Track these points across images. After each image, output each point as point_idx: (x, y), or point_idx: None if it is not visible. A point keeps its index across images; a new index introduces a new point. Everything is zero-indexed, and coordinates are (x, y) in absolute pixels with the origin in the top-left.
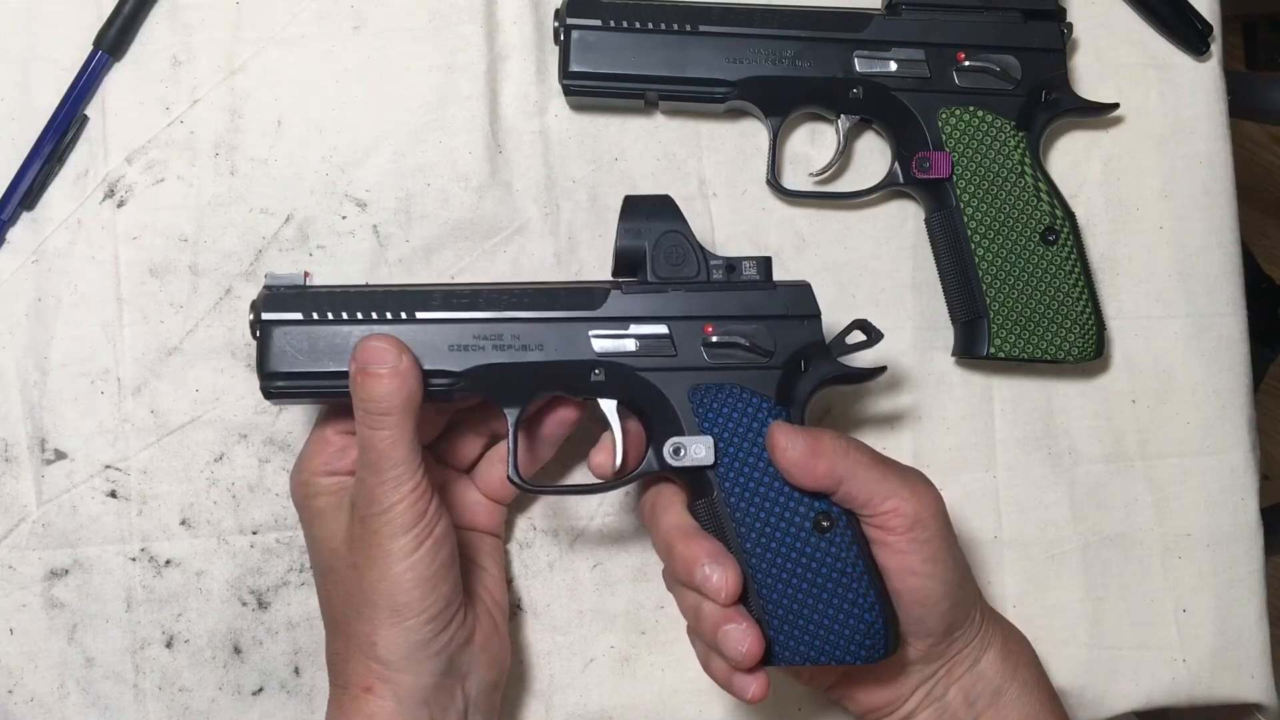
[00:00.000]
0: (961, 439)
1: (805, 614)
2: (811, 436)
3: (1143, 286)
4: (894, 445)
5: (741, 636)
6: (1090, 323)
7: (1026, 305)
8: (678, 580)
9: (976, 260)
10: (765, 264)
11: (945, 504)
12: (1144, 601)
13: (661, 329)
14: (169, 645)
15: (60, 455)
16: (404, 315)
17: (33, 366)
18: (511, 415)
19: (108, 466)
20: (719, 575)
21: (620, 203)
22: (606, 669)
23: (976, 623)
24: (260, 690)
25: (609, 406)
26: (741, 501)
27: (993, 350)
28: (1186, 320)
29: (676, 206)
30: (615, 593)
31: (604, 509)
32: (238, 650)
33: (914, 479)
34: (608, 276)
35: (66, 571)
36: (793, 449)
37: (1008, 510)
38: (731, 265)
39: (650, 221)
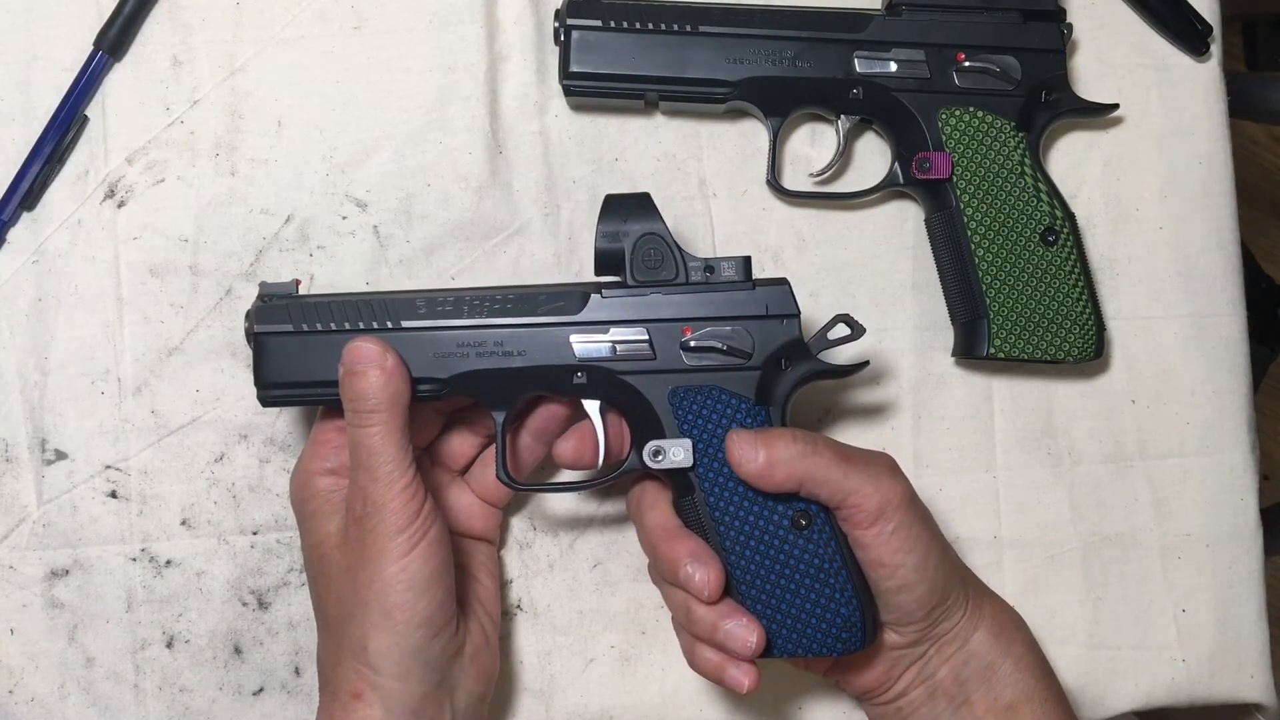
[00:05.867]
0: (961, 439)
1: (785, 609)
2: (767, 445)
3: (1143, 286)
4: (894, 445)
5: (746, 633)
6: (1090, 323)
7: (1026, 305)
8: (663, 578)
9: (976, 260)
10: (744, 264)
11: (913, 491)
12: (1144, 601)
13: (640, 333)
14: (169, 645)
15: (60, 455)
16: (389, 324)
17: (33, 366)
18: (499, 417)
19: (108, 467)
20: (701, 574)
21: None
22: (607, 669)
23: (962, 603)
24: (261, 690)
25: (592, 407)
26: (721, 501)
27: (993, 350)
28: (1186, 320)
29: (654, 205)
30: (615, 593)
31: (604, 508)
32: (238, 650)
33: (878, 471)
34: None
35: (67, 572)
36: (748, 462)
37: (1007, 510)
38: (711, 266)
39: (628, 222)
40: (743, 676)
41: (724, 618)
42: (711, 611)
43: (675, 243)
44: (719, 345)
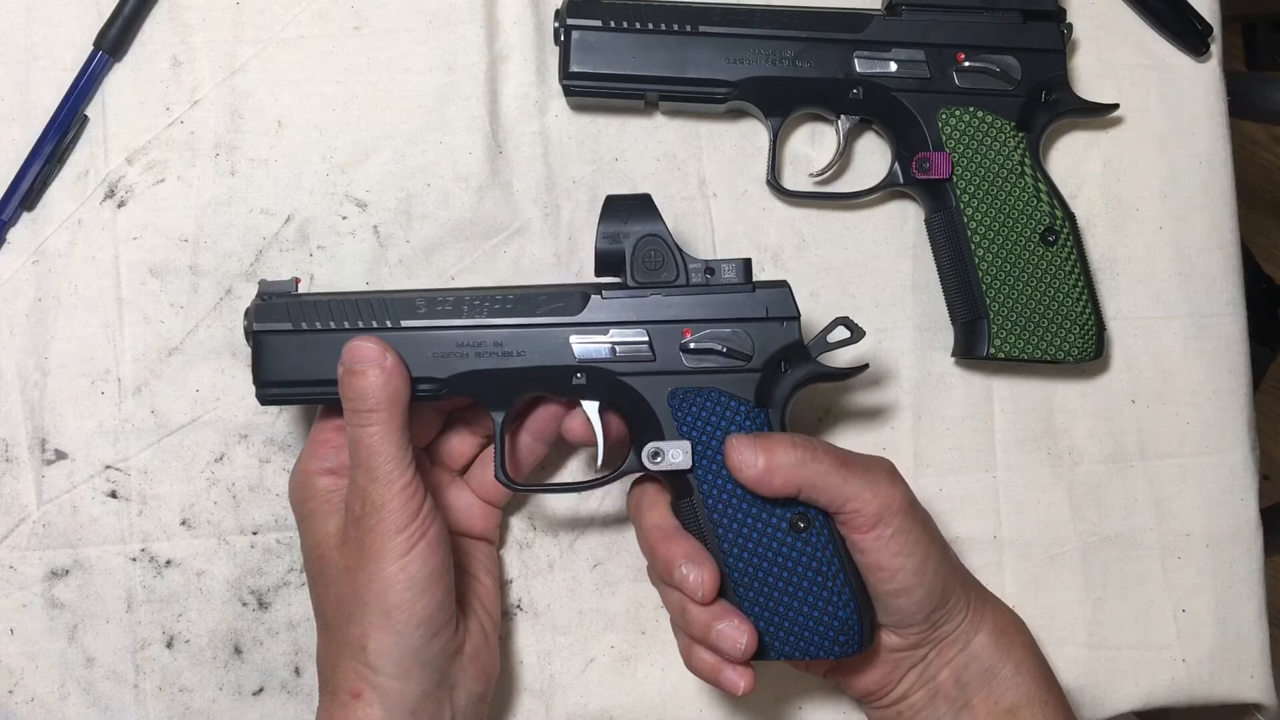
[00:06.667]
0: (961, 439)
1: (782, 611)
2: (767, 451)
3: (1143, 286)
4: (894, 445)
5: (737, 634)
6: (1090, 323)
7: (1026, 305)
8: (659, 579)
9: (976, 260)
10: (744, 266)
11: (912, 496)
12: (1143, 601)
13: (640, 334)
14: (169, 645)
15: (61, 455)
16: (389, 324)
17: (33, 366)
18: (497, 417)
19: (108, 467)
20: (695, 575)
21: None
22: (607, 669)
23: (963, 606)
24: (261, 690)
25: (591, 408)
26: (719, 504)
27: (993, 350)
28: (1186, 320)
29: (655, 207)
30: (615, 593)
31: (604, 508)
32: (238, 650)
33: (877, 475)
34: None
35: (67, 572)
36: (747, 468)
37: (1008, 510)
38: (711, 268)
39: (629, 224)
40: (738, 679)
41: (717, 619)
42: (705, 612)
43: (676, 244)
44: (719, 347)
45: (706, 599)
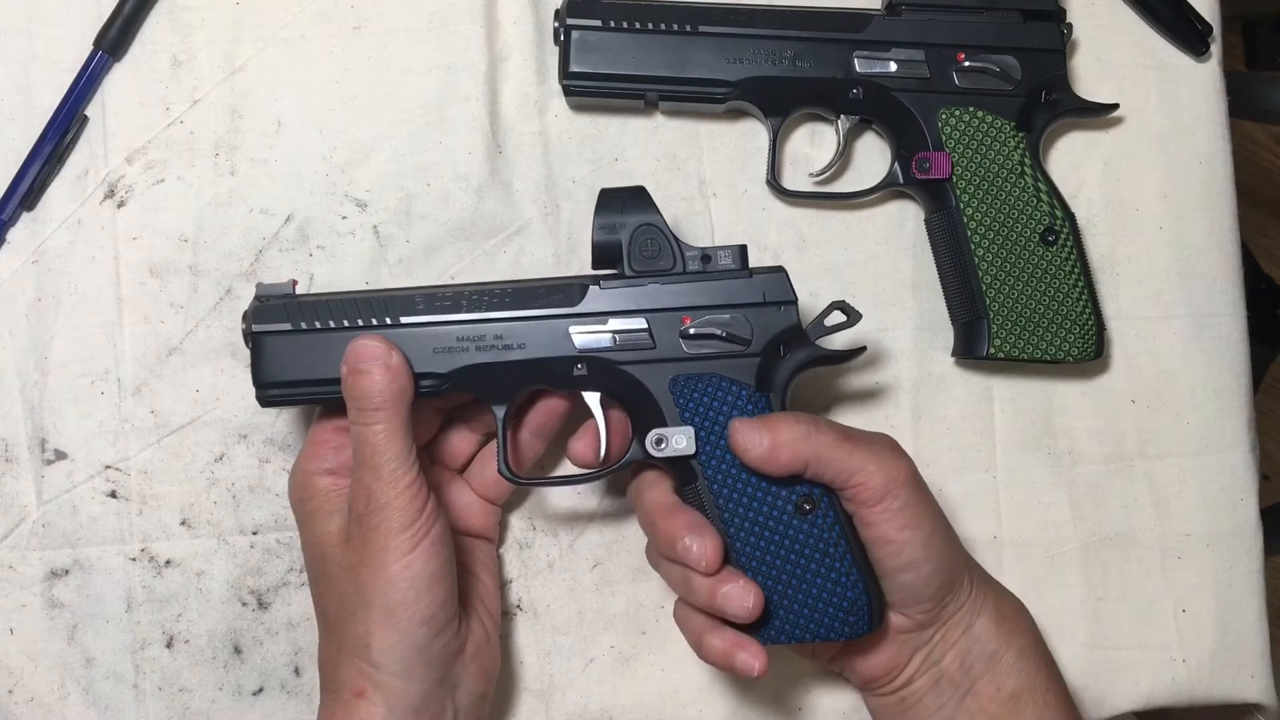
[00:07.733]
0: (961, 439)
1: (791, 594)
2: (770, 430)
3: (1143, 286)
4: None
5: (742, 594)
6: (1090, 323)
7: (1026, 305)
8: (661, 555)
9: (976, 260)
10: (740, 252)
11: (916, 470)
12: (1144, 601)
13: (639, 323)
14: (169, 645)
15: (60, 455)
16: (388, 321)
17: (33, 366)
18: (499, 412)
19: (108, 467)
20: (698, 546)
21: None
22: (607, 669)
23: (967, 588)
24: (260, 690)
25: (593, 399)
26: (724, 488)
27: (993, 350)
28: (1186, 320)
29: (650, 198)
30: (615, 593)
31: (604, 507)
32: (238, 650)
33: (880, 450)
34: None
35: (67, 572)
36: (753, 447)
37: (1008, 510)
38: (707, 255)
39: (624, 215)
40: (752, 660)
41: (722, 583)
42: (710, 581)
43: (672, 233)
44: (718, 333)
45: (710, 569)
